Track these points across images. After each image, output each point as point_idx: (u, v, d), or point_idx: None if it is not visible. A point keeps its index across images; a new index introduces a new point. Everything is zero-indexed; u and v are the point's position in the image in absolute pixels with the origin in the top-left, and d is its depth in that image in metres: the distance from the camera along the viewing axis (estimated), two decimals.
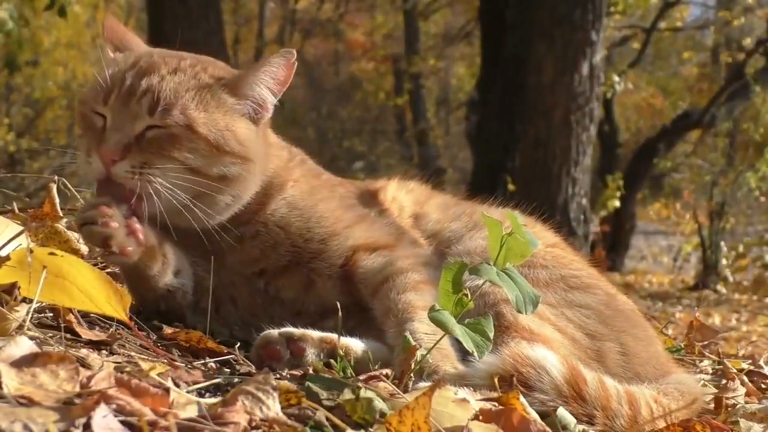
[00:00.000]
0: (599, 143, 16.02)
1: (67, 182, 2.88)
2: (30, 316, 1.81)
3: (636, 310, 2.43)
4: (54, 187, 2.68)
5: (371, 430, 1.56)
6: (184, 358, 2.04)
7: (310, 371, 1.84)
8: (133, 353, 1.95)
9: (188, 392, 1.62)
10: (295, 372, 1.93)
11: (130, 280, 2.25)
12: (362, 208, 2.46)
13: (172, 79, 2.15)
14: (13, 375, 1.40)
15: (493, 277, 1.86)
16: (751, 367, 2.94)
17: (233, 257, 2.25)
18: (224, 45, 11.89)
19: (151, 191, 2.09)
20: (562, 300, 2.21)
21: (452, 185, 20.44)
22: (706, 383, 2.51)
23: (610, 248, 14.74)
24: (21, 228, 2.14)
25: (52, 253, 1.85)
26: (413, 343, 1.89)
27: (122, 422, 1.33)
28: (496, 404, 1.74)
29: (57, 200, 2.64)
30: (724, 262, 14.48)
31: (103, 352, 1.93)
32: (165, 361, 1.87)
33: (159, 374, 1.64)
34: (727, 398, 2.26)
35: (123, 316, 1.89)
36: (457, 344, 1.94)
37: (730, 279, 14.49)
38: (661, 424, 1.89)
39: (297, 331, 2.07)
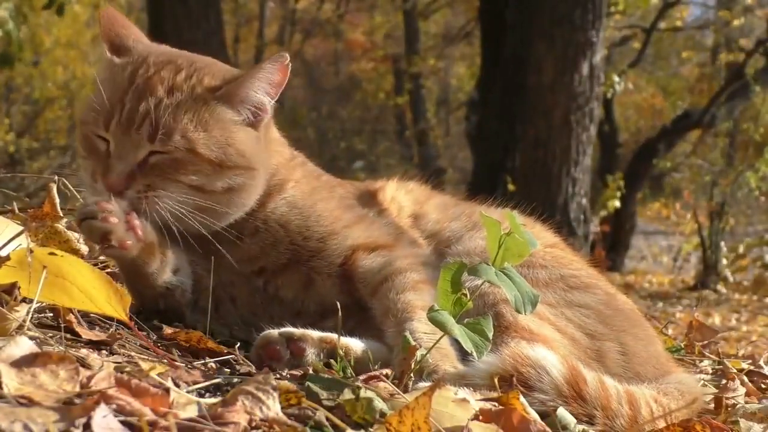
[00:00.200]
0: (599, 143, 16.02)
1: (67, 182, 2.88)
2: (30, 316, 1.81)
3: (636, 310, 2.43)
4: (54, 187, 2.68)
5: (371, 430, 1.56)
6: (184, 358, 2.04)
7: (310, 371, 1.84)
8: (133, 353, 1.95)
9: (188, 392, 1.62)
10: (295, 372, 1.93)
11: (128, 278, 2.25)
12: (361, 209, 2.47)
13: (170, 101, 2.15)
14: (13, 375, 1.40)
15: (491, 277, 1.86)
16: (751, 367, 2.94)
17: (232, 255, 2.25)
18: (224, 45, 11.90)
19: (159, 210, 2.13)
20: (561, 300, 2.21)
21: (452, 185, 20.44)
22: (706, 383, 2.51)
23: (610, 248, 14.73)
24: (21, 228, 2.14)
25: (52, 253, 1.85)
26: (413, 342, 1.89)
27: (122, 422, 1.33)
28: (496, 404, 1.74)
29: (57, 200, 2.64)
30: (724, 262, 14.48)
31: (103, 352, 1.93)
32: (165, 361, 1.87)
33: (159, 374, 1.64)
34: (727, 398, 2.26)
35: (123, 316, 1.89)
36: (457, 344, 1.94)
37: (730, 279, 14.49)
38: (661, 424, 1.89)
39: (297, 330, 2.07)
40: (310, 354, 2.04)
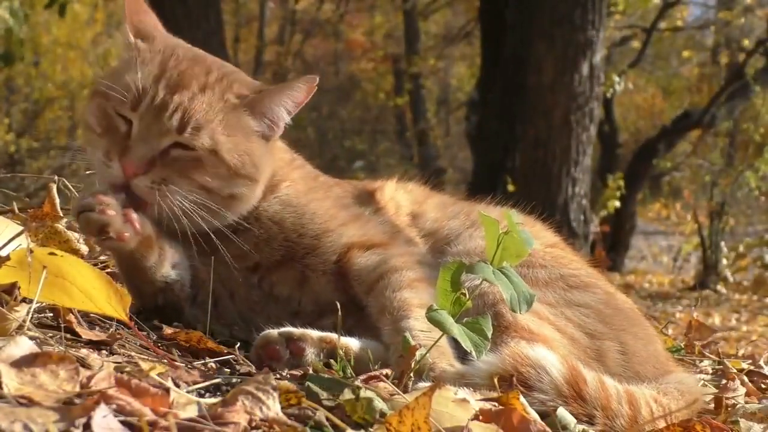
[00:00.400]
0: (599, 143, 16.00)
1: (67, 182, 2.88)
2: (30, 316, 1.81)
3: (635, 309, 2.43)
4: (54, 187, 2.68)
5: (371, 430, 1.56)
6: (184, 358, 2.04)
7: (310, 371, 1.84)
8: (133, 353, 1.95)
9: (188, 392, 1.62)
10: (295, 372, 1.93)
11: (127, 274, 2.25)
12: (357, 207, 2.47)
13: (202, 99, 2.17)
14: (13, 375, 1.40)
15: (488, 275, 1.86)
16: (751, 367, 2.94)
17: (228, 251, 2.25)
18: (224, 45, 11.89)
19: (167, 205, 2.14)
20: (561, 299, 2.21)
21: (452, 185, 20.44)
22: (706, 383, 2.51)
23: (610, 248, 14.72)
24: (21, 228, 2.14)
25: (52, 253, 1.85)
26: (413, 342, 1.89)
27: (122, 422, 1.33)
28: (496, 404, 1.74)
29: (57, 200, 2.64)
30: (724, 262, 14.48)
31: (103, 352, 1.93)
32: (165, 361, 1.87)
33: (159, 374, 1.64)
34: (727, 398, 2.26)
35: (123, 316, 1.89)
36: (455, 343, 1.95)
37: (730, 279, 14.48)
38: (661, 424, 1.89)
39: (297, 330, 2.07)
40: (310, 354, 2.04)
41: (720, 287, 14.00)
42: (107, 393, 1.39)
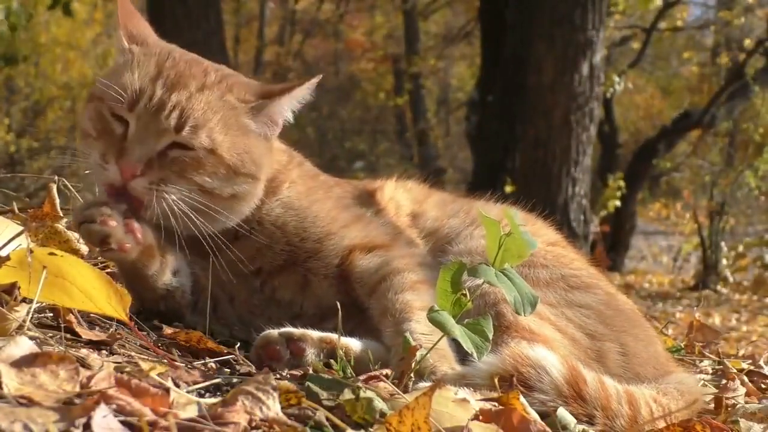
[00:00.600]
0: (599, 143, 16.00)
1: (67, 182, 2.88)
2: (30, 316, 1.80)
3: (636, 310, 2.43)
4: (54, 187, 2.68)
5: (371, 430, 1.56)
6: (184, 358, 2.04)
7: (310, 371, 1.84)
8: (133, 353, 1.95)
9: (188, 392, 1.62)
10: (295, 372, 1.93)
11: (128, 281, 2.25)
12: (358, 209, 2.47)
13: (200, 98, 2.16)
14: (13, 375, 1.40)
15: (491, 277, 1.85)
16: (751, 367, 2.94)
17: (229, 256, 2.25)
18: (224, 45, 11.90)
19: (165, 207, 2.12)
20: (562, 300, 2.21)
21: (452, 185, 20.44)
22: (706, 383, 2.51)
23: (610, 248, 14.72)
24: (21, 228, 2.14)
25: (52, 253, 1.85)
26: (413, 343, 1.89)
27: (122, 422, 1.33)
28: (496, 404, 1.74)
29: (57, 200, 2.64)
30: (724, 262, 14.48)
31: (103, 352, 1.93)
32: (165, 361, 1.87)
33: (159, 374, 1.64)
34: (727, 398, 2.26)
35: (123, 316, 1.88)
36: (456, 344, 1.94)
37: (730, 279, 14.48)
38: (661, 424, 1.89)
39: (297, 330, 2.07)
40: (310, 354, 2.04)
41: (720, 287, 14.00)
42: (107, 393, 1.38)
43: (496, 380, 1.83)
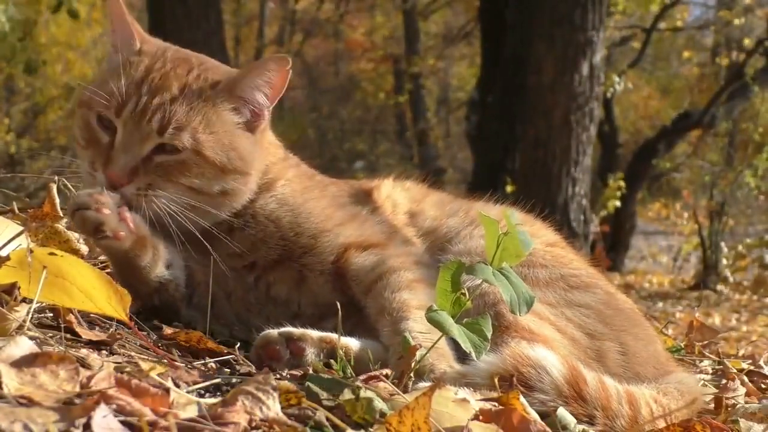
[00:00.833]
0: (599, 143, 16.01)
1: (67, 182, 2.87)
2: (30, 316, 1.80)
3: (636, 309, 2.43)
4: (54, 187, 2.68)
5: (371, 430, 1.56)
6: (184, 358, 2.04)
7: (310, 371, 1.84)
8: (133, 353, 1.95)
9: (188, 392, 1.62)
10: (295, 372, 1.93)
11: (122, 274, 2.25)
12: (354, 207, 2.47)
13: (182, 100, 2.18)
14: (13, 375, 1.40)
15: (489, 276, 1.85)
16: (751, 367, 2.94)
17: (224, 250, 2.26)
18: (224, 45, 11.90)
19: (155, 209, 2.15)
20: (561, 299, 2.21)
21: (452, 185, 20.44)
22: (706, 383, 2.51)
23: (610, 248, 14.73)
24: (21, 228, 2.14)
25: (52, 253, 1.85)
26: (413, 343, 1.89)
27: (122, 422, 1.33)
28: (496, 404, 1.74)
29: (57, 200, 2.64)
30: (724, 262, 14.48)
31: (103, 352, 1.93)
32: (165, 361, 1.87)
33: (159, 374, 1.64)
34: (727, 398, 2.26)
35: (123, 316, 1.88)
36: (454, 344, 1.94)
37: (730, 279, 14.49)
38: (661, 424, 1.89)
39: (297, 330, 2.07)
40: (310, 354, 2.04)
41: (720, 287, 14.00)
42: (107, 393, 1.38)
43: (496, 380, 1.83)
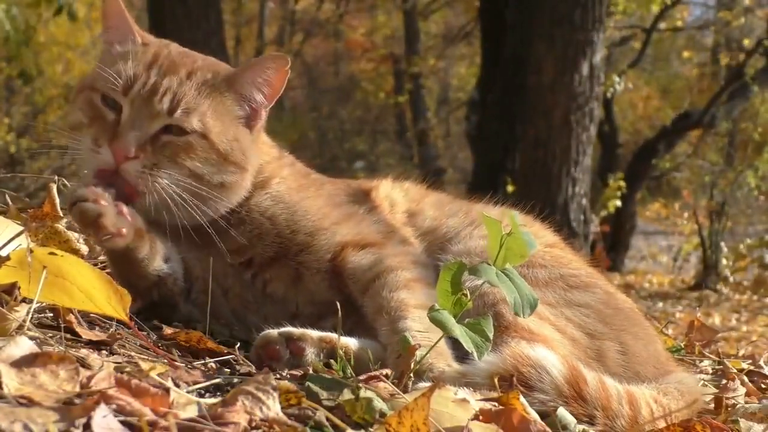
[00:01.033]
0: (599, 143, 16.01)
1: (67, 182, 2.88)
2: (30, 316, 1.80)
3: (635, 309, 2.43)
4: (54, 187, 2.67)
5: (371, 430, 1.56)
6: (184, 358, 2.04)
7: (310, 371, 1.84)
8: (133, 353, 1.95)
9: (188, 392, 1.62)
10: (295, 372, 1.93)
11: (120, 270, 2.24)
12: (351, 206, 2.48)
13: (190, 84, 2.20)
14: (13, 375, 1.40)
15: (492, 277, 1.85)
16: (751, 367, 2.94)
17: (219, 245, 2.26)
18: (224, 45, 11.90)
19: (155, 191, 2.14)
20: (561, 299, 2.21)
21: (452, 185, 20.44)
22: (706, 383, 2.51)
23: (610, 248, 14.73)
24: (21, 228, 2.14)
25: (52, 253, 1.85)
26: (413, 342, 1.89)
27: (122, 422, 1.33)
28: (496, 404, 1.73)
29: (57, 200, 2.64)
30: (724, 262, 14.48)
31: (103, 352, 1.93)
32: (165, 361, 1.87)
33: (159, 374, 1.64)
34: (727, 398, 2.26)
35: (123, 316, 1.88)
36: (454, 344, 1.94)
37: (730, 279, 14.49)
38: (662, 424, 1.89)
39: (296, 330, 2.07)
40: (310, 354, 2.04)
41: (720, 287, 14.01)
42: (107, 393, 1.38)
43: (496, 380, 1.83)
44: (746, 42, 16.09)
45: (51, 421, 1.26)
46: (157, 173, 2.14)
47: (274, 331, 2.05)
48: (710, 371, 2.84)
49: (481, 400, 1.74)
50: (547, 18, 10.38)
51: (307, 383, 1.67)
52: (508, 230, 1.88)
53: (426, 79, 24.41)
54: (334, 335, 2.05)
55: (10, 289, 1.84)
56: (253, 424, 1.45)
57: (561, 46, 10.23)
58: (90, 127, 2.20)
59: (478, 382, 1.84)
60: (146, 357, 1.93)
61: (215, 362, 2.03)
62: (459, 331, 1.82)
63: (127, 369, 1.67)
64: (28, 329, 1.79)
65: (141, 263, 2.21)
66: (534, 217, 2.63)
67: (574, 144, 10.23)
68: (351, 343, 2.08)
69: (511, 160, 11.99)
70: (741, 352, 4.55)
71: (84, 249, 2.52)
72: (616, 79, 15.14)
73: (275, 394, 1.50)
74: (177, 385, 1.66)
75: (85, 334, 1.96)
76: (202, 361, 2.03)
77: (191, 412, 1.46)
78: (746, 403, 2.30)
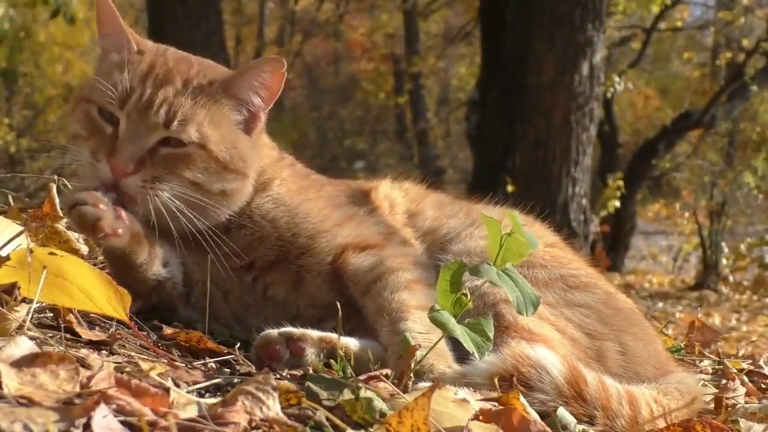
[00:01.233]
0: (599, 143, 16.01)
1: (67, 182, 2.88)
2: (30, 316, 1.80)
3: (635, 309, 2.43)
4: (54, 187, 2.68)
5: (371, 430, 1.56)
6: (184, 358, 2.04)
7: (310, 371, 1.84)
8: (133, 353, 1.95)
9: (188, 392, 1.62)
10: (295, 372, 1.93)
11: (119, 274, 2.24)
12: (351, 207, 2.47)
13: (186, 94, 2.18)
14: (13, 375, 1.40)
15: (493, 277, 1.85)
16: (751, 367, 2.94)
17: (220, 250, 2.26)
18: (224, 45, 11.90)
19: (157, 204, 2.14)
20: (561, 300, 2.21)
21: (452, 185, 20.45)
22: (706, 383, 2.50)
23: (610, 248, 14.74)
24: (21, 228, 2.14)
25: (52, 253, 1.85)
26: (413, 343, 1.89)
27: (122, 422, 1.33)
28: (496, 404, 1.73)
29: (57, 200, 2.64)
30: (724, 262, 14.49)
31: (103, 352, 1.93)
32: (165, 361, 1.87)
33: (159, 374, 1.64)
34: (727, 398, 2.26)
35: (123, 316, 1.88)
36: (454, 345, 1.94)
37: (730, 279, 14.49)
38: (662, 424, 1.89)
39: (297, 330, 2.07)
40: (310, 354, 2.04)
41: (720, 287, 14.01)
42: (107, 393, 1.38)
43: (496, 380, 1.83)
44: (745, 42, 16.08)
45: (51, 421, 1.26)
46: (157, 186, 2.14)
47: (274, 331, 2.05)
48: (710, 371, 2.84)
49: (481, 400, 1.74)
50: (547, 18, 10.38)
51: (307, 383, 1.67)
52: (508, 230, 1.88)
53: (426, 79, 24.41)
54: (334, 335, 2.05)
55: (10, 289, 1.84)
56: (253, 424, 1.45)
57: (561, 46, 10.23)
58: (88, 140, 2.19)
59: (478, 382, 1.84)
60: (146, 357, 1.93)
61: (215, 362, 2.03)
62: (459, 331, 1.82)
63: (127, 369, 1.67)
64: (28, 329, 1.79)
65: (139, 268, 2.21)
66: (534, 217, 2.63)
67: (574, 144, 10.23)
68: (351, 343, 2.08)
69: (511, 160, 11.99)
70: (741, 352, 4.55)
71: (84, 249, 2.52)
72: (616, 79, 15.14)
73: (275, 394, 1.50)
74: (177, 385, 1.66)
75: (85, 334, 1.96)
76: (202, 361, 2.03)
77: (191, 412, 1.46)
78: (746, 403, 2.29)
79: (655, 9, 15.23)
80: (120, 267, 2.23)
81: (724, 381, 2.50)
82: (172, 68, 2.22)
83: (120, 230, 2.10)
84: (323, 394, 1.64)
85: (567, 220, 10.14)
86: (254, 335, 2.12)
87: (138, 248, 2.19)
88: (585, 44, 10.15)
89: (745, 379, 2.61)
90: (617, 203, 13.92)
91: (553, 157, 10.30)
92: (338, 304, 2.07)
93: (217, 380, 1.77)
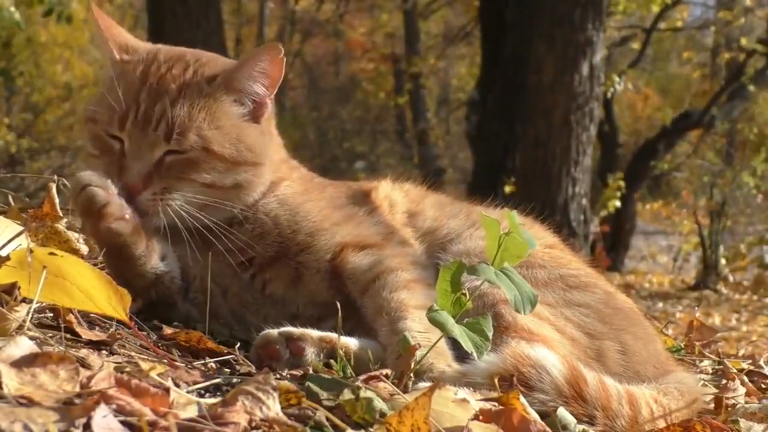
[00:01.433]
0: (599, 143, 16.01)
1: (66, 182, 2.88)
2: (30, 316, 1.80)
3: (635, 309, 2.43)
4: (54, 187, 2.67)
5: (371, 430, 1.56)
6: (184, 358, 2.04)
7: (310, 371, 1.84)
8: (133, 353, 1.95)
9: (188, 392, 1.62)
10: (295, 372, 1.93)
11: (118, 268, 2.24)
12: (351, 208, 2.48)
13: (182, 101, 2.19)
14: (13, 375, 1.40)
15: (491, 277, 1.85)
16: (751, 367, 2.94)
17: (220, 245, 2.26)
18: (224, 45, 11.91)
19: (171, 213, 2.18)
20: (560, 299, 2.21)
21: (452, 185, 20.45)
22: (706, 383, 2.50)
23: (610, 248, 14.74)
24: (21, 228, 2.14)
25: (52, 253, 1.85)
26: (413, 342, 1.89)
27: (122, 422, 1.33)
28: (496, 404, 1.73)
29: (57, 200, 2.64)
30: (724, 262, 14.49)
31: (103, 352, 1.93)
32: (165, 361, 1.87)
33: (159, 374, 1.64)
34: (727, 398, 2.26)
35: (123, 316, 1.88)
36: (453, 344, 1.94)
37: (730, 279, 14.49)
38: (662, 424, 1.89)
39: (296, 330, 2.07)
40: (310, 353, 2.04)
41: (720, 287, 14.01)
42: (107, 393, 1.38)
43: (496, 380, 1.83)
44: (744, 42, 16.08)
45: (51, 421, 1.26)
46: (167, 197, 2.17)
47: (274, 331, 2.05)
48: (710, 371, 2.84)
49: (481, 400, 1.74)
50: (547, 18, 10.38)
51: (307, 383, 1.67)
52: (506, 231, 1.88)
53: (426, 79, 24.41)
54: (334, 335, 2.05)
55: (10, 289, 1.84)
56: (253, 424, 1.45)
57: (561, 46, 10.23)
58: (100, 159, 2.23)
59: (478, 382, 1.84)
60: (146, 357, 1.93)
61: (215, 362, 2.03)
62: (458, 331, 1.82)
63: (127, 369, 1.67)
64: (28, 329, 1.79)
65: (138, 261, 2.22)
66: (534, 217, 2.63)
67: (574, 144, 10.23)
68: (351, 343, 2.08)
69: (511, 160, 12.00)
70: (741, 352, 4.55)
71: (84, 249, 2.52)
72: (616, 79, 15.14)
73: (275, 394, 1.50)
74: (177, 385, 1.66)
75: (85, 334, 1.96)
76: (202, 361, 2.03)
77: (191, 412, 1.46)
78: (746, 403, 2.29)
79: (655, 9, 15.24)
80: (119, 259, 2.24)
81: (724, 381, 2.50)
82: (165, 74, 2.22)
83: (127, 215, 2.13)
84: (323, 394, 1.64)
85: (567, 220, 10.14)
86: (254, 335, 2.12)
87: (137, 239, 2.20)
88: (585, 44, 10.15)
89: (745, 379, 2.61)
90: (617, 203, 13.92)
91: (553, 157, 10.30)
92: (338, 303, 2.07)
93: (217, 380, 1.77)
